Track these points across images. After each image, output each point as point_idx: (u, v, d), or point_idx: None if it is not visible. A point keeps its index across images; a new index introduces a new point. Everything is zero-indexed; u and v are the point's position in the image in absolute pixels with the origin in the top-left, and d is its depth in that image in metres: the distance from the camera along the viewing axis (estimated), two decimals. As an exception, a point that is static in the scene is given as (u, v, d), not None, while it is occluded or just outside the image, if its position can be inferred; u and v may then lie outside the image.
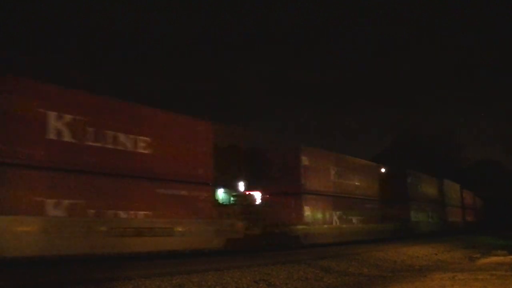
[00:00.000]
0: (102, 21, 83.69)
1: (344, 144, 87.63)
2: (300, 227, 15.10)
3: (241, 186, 16.68)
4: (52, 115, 9.05)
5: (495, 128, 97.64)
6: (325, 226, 16.65)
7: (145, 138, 10.57)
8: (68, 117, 9.29)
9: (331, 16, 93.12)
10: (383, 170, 22.88)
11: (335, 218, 17.33)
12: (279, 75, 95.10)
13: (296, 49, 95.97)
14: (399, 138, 63.06)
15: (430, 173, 30.61)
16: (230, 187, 18.62)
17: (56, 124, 9.12)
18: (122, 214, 9.87)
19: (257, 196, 15.90)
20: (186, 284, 7.55)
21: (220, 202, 15.08)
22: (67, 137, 9.24)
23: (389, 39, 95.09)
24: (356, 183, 19.43)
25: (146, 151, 10.54)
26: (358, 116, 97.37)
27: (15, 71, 9.43)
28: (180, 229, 10.80)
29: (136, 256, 9.81)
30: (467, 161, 62.61)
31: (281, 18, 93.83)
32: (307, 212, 15.61)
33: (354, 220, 18.80)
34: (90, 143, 9.57)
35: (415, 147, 56.93)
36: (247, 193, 15.93)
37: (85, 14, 76.60)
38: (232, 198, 17.08)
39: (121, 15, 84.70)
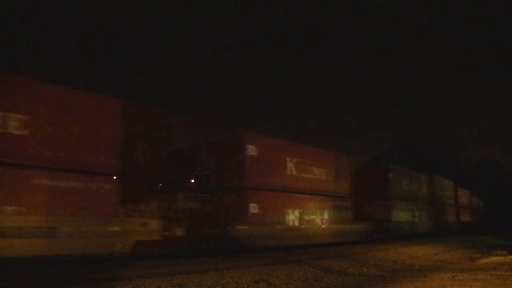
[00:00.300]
0: (102, 21, 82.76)
1: (344, 144, 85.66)
2: (241, 227, 12.77)
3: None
4: None
5: (495, 128, 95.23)
6: (278, 226, 14.27)
7: (20, 116, 8.52)
8: None
9: (331, 16, 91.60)
10: (357, 164, 20.72)
11: (292, 217, 14.97)
12: (279, 75, 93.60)
13: (296, 49, 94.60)
14: (399, 138, 61.23)
15: (419, 170, 28.31)
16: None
17: None
18: (-21, 210, 7.83)
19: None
20: (186, 284, 7.51)
21: None
22: None
23: (389, 39, 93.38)
24: (322, 178, 16.92)
25: (20, 132, 8.48)
26: (358, 116, 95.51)
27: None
28: (67, 229, 8.72)
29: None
30: (467, 161, 60.83)
31: (281, 18, 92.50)
32: (254, 210, 13.27)
33: (318, 220, 16.37)
34: None
35: (415, 147, 55.28)
36: None
37: (85, 14, 75.63)
38: None
39: (121, 15, 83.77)
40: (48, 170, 8.79)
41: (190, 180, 12.51)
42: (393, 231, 21.19)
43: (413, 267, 12.87)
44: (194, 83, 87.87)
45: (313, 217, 16.04)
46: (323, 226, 16.53)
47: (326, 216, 16.77)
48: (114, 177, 9.85)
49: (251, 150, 13.57)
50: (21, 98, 8.63)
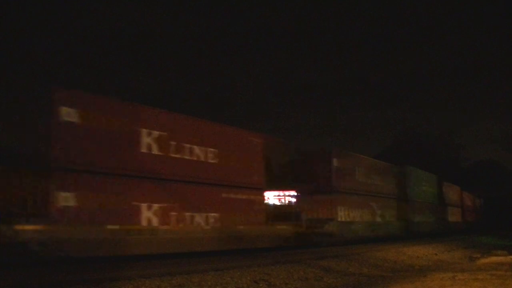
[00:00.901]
0: (102, 21, 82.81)
1: (344, 144, 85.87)
2: (30, 227, 8.74)
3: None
4: None
5: (495, 128, 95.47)
6: (109, 227, 10.06)
7: None
8: None
9: (331, 16, 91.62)
10: (270, 143, 15.58)
11: (148, 215, 10.96)
12: (279, 75, 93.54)
13: (296, 49, 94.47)
14: (399, 138, 61.40)
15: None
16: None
17: None
18: None
19: None
20: (186, 284, 7.53)
21: None
22: None
23: (389, 39, 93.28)
24: (209, 160, 12.72)
25: None
26: (358, 115, 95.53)
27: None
28: None
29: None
30: (467, 161, 60.88)
31: (281, 18, 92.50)
32: (66, 202, 9.36)
33: (199, 218, 12.16)
34: None
35: (415, 147, 55.39)
36: None
37: (85, 14, 75.69)
38: None
39: (121, 15, 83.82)
40: None
41: None
42: (337, 234, 16.93)
43: (413, 267, 12.94)
44: (194, 83, 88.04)
45: (190, 214, 11.93)
46: (207, 228, 12.37)
47: (215, 213, 12.65)
48: None
49: (67, 114, 9.64)
50: None
